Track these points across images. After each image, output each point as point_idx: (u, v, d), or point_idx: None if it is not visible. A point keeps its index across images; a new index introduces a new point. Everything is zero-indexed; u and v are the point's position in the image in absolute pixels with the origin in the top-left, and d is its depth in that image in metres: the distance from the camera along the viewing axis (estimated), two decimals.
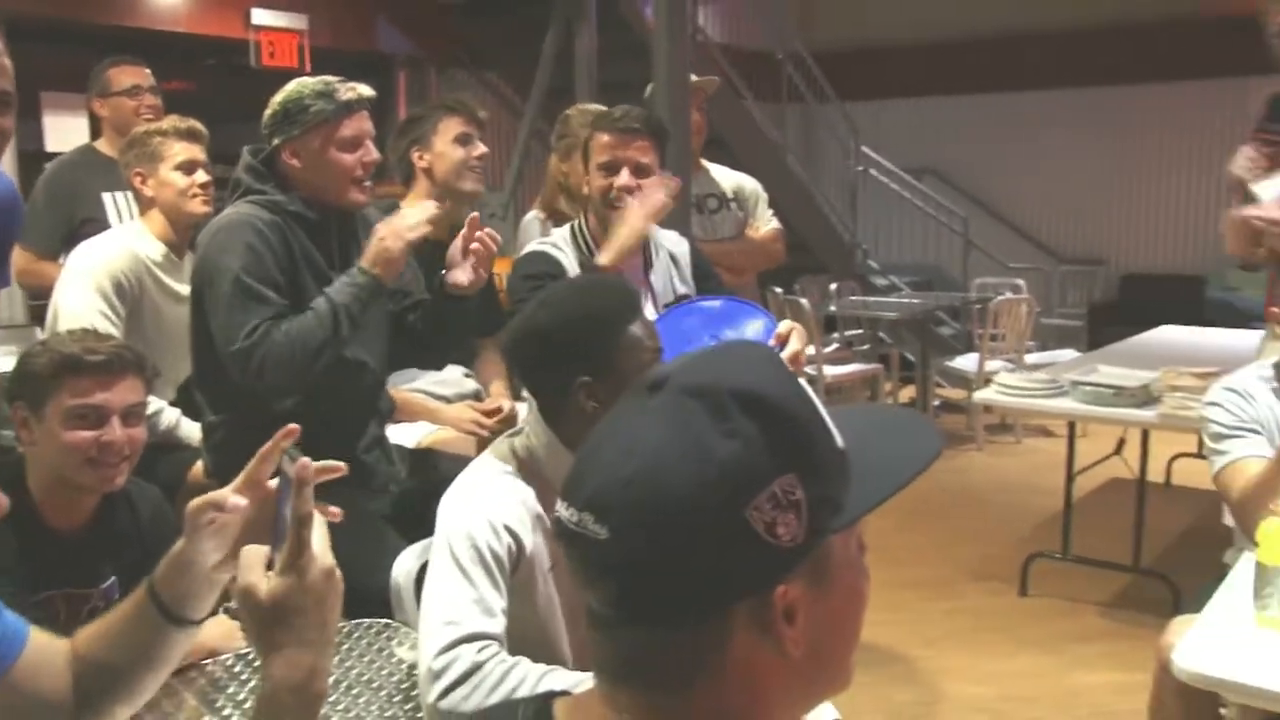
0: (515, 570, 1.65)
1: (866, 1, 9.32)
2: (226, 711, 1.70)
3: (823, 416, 0.80)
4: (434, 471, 2.71)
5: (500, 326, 2.52)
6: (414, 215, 2.37)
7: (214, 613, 1.27)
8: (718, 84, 4.14)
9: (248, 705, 1.69)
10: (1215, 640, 1.81)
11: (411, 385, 2.94)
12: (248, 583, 0.96)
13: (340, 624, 1.97)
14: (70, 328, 2.25)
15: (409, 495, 2.59)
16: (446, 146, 2.99)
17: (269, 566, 0.98)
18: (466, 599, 1.58)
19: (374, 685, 1.79)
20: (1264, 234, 2.75)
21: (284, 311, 2.29)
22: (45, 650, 1.14)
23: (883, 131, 9.39)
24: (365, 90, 2.39)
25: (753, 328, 2.52)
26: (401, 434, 2.79)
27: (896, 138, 9.52)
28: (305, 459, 0.99)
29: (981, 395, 4.38)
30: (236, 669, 1.83)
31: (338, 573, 0.99)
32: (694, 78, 3.99)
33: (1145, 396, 3.68)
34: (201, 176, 2.94)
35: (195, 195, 2.93)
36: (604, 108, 2.95)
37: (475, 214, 2.53)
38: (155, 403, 2.78)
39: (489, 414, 2.81)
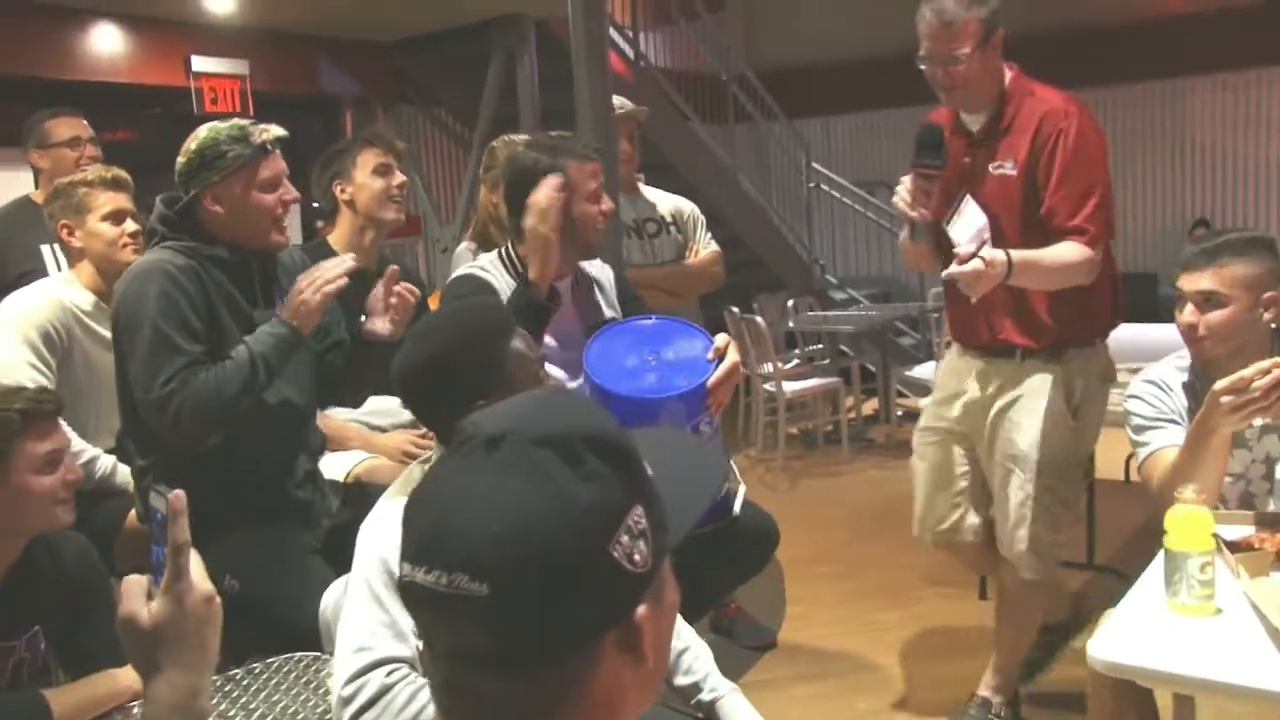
0: None
1: (807, 21, 9.41)
2: None
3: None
4: (367, 502, 2.68)
5: None
6: (333, 269, 2.37)
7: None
8: (647, 113, 4.17)
9: None
10: (1129, 629, 1.84)
11: (348, 415, 2.95)
12: (129, 610, 1.02)
13: (270, 659, 1.99)
14: None
15: (341, 528, 2.57)
16: (366, 178, 3.03)
17: (150, 597, 1.03)
18: (378, 623, 1.60)
19: (301, 718, 1.79)
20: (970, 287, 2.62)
21: (200, 359, 2.29)
22: None
23: (833, 147, 9.51)
24: (278, 130, 2.42)
25: (689, 344, 2.55)
26: (331, 465, 2.79)
27: (846, 152, 9.63)
28: (178, 490, 1.03)
29: None
30: None
31: (217, 599, 1.04)
32: (630, 105, 4.03)
33: None
34: (130, 225, 2.93)
35: (126, 245, 2.91)
36: (528, 137, 2.98)
37: (395, 267, 2.55)
38: (91, 450, 2.78)
39: (424, 438, 2.82)
